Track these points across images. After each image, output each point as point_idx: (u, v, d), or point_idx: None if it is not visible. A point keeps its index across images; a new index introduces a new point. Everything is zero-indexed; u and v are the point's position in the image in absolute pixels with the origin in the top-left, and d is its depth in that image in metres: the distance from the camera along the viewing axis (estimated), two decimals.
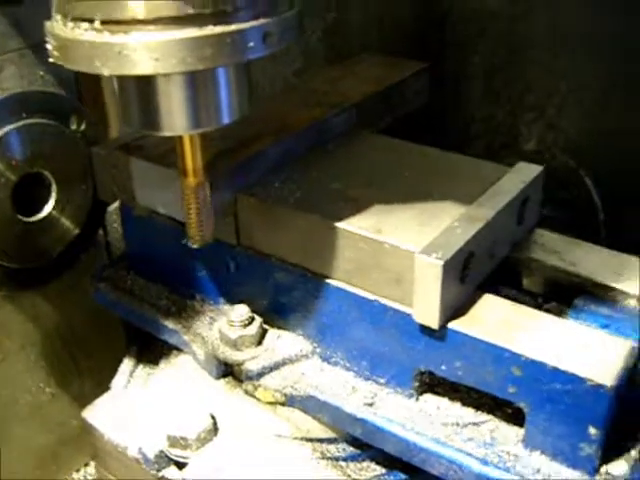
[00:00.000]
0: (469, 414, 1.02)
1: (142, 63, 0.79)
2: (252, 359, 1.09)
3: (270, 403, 1.10)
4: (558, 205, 1.22)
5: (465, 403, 1.03)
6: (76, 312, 1.48)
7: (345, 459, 1.08)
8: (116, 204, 1.38)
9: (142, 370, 1.24)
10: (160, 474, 1.10)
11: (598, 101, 1.55)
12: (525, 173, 1.10)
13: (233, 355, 1.09)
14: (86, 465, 1.60)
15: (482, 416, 1.01)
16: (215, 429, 1.09)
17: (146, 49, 0.78)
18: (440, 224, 0.99)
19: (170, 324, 1.18)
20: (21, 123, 1.25)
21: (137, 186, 1.12)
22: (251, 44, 0.83)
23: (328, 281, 1.04)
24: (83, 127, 1.32)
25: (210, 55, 0.81)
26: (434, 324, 0.95)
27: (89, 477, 1.58)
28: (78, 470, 1.59)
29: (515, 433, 0.98)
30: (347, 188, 1.08)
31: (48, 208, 1.31)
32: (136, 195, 1.12)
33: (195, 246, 1.02)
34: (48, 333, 1.45)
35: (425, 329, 0.97)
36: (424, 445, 0.98)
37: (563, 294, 1.07)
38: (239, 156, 1.10)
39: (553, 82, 1.63)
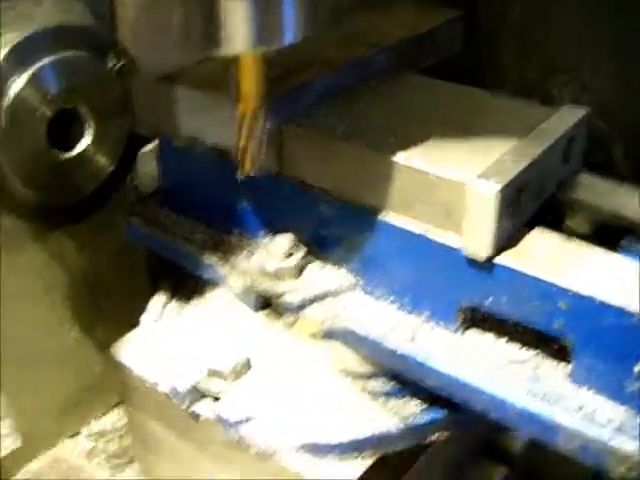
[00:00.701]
0: (514, 350, 1.01)
1: None
2: (292, 291, 1.07)
3: (310, 336, 1.09)
4: (588, 169, 1.20)
5: (511, 339, 1.02)
6: (102, 254, 1.46)
7: (386, 394, 1.07)
8: (149, 147, 1.37)
9: (174, 306, 1.23)
10: (192, 409, 1.08)
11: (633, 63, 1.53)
12: (571, 114, 1.08)
13: (273, 286, 1.08)
14: (105, 414, 1.58)
15: (527, 353, 1.00)
16: (250, 362, 1.07)
17: None
18: (490, 157, 0.98)
19: (206, 257, 1.17)
20: (57, 57, 1.22)
21: (181, 115, 1.10)
22: None
23: (374, 214, 1.03)
24: (120, 63, 1.30)
25: None
26: (483, 257, 0.94)
27: (109, 426, 1.57)
28: (98, 419, 1.57)
29: (561, 370, 0.97)
30: (393, 123, 1.07)
31: (83, 144, 1.29)
32: (180, 124, 1.10)
33: (245, 175, 1.00)
34: (73, 275, 1.43)
35: (473, 262, 0.96)
36: (466, 381, 0.97)
37: (608, 236, 1.05)
38: (285, 86, 1.08)
39: (587, 43, 1.61)
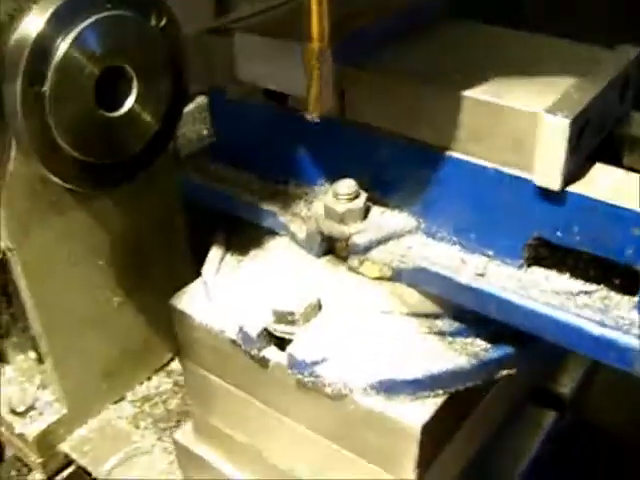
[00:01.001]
0: (579, 284, 1.02)
1: None
2: (359, 233, 1.09)
3: (376, 278, 1.10)
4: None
5: (573, 275, 1.03)
6: (144, 219, 1.46)
7: (452, 334, 1.08)
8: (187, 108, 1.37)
9: (232, 257, 1.24)
10: (261, 354, 1.09)
11: None
12: (626, 53, 1.10)
13: (339, 229, 1.09)
14: (149, 379, 1.59)
15: (592, 286, 1.02)
16: (320, 304, 1.08)
17: None
18: (555, 92, 0.99)
19: (265, 206, 1.18)
20: (101, 15, 1.22)
21: (239, 63, 1.11)
22: None
23: (440, 151, 1.04)
24: (163, 22, 1.30)
25: None
26: (556, 186, 0.95)
27: (153, 390, 1.57)
28: (141, 383, 1.58)
29: (627, 301, 0.99)
30: (455, 63, 1.09)
31: (130, 103, 1.29)
32: (238, 72, 1.11)
33: (315, 117, 1.01)
34: (117, 240, 1.43)
35: (543, 193, 0.98)
36: (541, 311, 0.99)
37: None
38: (343, 30, 1.09)
39: None
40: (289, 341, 1.08)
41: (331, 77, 1.00)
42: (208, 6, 1.67)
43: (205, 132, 1.57)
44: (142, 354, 1.56)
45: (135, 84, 1.30)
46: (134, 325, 1.53)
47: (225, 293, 1.16)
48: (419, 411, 1.02)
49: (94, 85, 1.23)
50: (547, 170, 0.95)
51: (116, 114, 1.29)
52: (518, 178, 0.99)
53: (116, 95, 1.30)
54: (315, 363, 1.04)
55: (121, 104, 1.30)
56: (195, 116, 1.59)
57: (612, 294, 1.01)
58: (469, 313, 1.08)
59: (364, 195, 1.10)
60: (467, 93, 1.00)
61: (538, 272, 1.05)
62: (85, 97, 1.22)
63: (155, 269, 1.53)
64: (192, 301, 1.19)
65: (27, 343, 1.50)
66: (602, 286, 1.02)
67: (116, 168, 1.34)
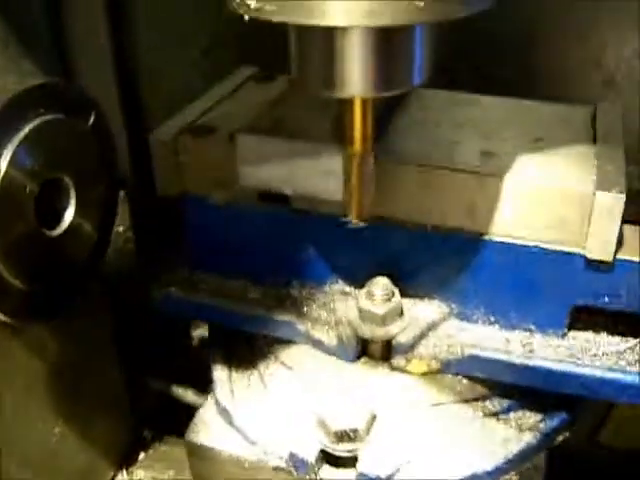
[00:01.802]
0: (619, 341, 1.06)
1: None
2: (401, 331, 1.05)
3: (422, 374, 1.07)
4: None
5: (609, 333, 1.07)
6: (77, 343, 1.33)
7: (503, 412, 1.08)
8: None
9: (239, 374, 1.14)
10: (319, 476, 1.02)
11: None
12: (610, 111, 1.14)
13: (382, 331, 1.04)
14: None
15: (631, 341, 1.06)
16: (375, 414, 1.04)
17: None
18: (587, 165, 1.01)
19: (278, 316, 1.10)
20: (32, 125, 1.08)
21: (244, 167, 1.02)
22: None
23: (478, 237, 1.03)
24: (92, 120, 1.17)
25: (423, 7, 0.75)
26: (609, 257, 0.98)
27: None
28: None
29: None
30: (470, 142, 1.07)
31: (69, 216, 1.15)
32: (241, 176, 1.02)
33: (356, 223, 0.96)
34: (53, 368, 1.28)
35: (592, 265, 0.99)
36: (601, 375, 1.01)
37: None
38: None
39: None
40: (347, 458, 1.01)
41: (373, 181, 0.95)
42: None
43: (120, 229, 1.44)
44: (84, 477, 1.42)
45: (73, 194, 1.16)
46: (76, 452, 1.39)
47: (252, 417, 1.07)
48: None
49: (34, 203, 1.08)
50: (601, 244, 0.97)
51: (57, 231, 1.15)
52: (565, 254, 1.00)
53: (52, 212, 1.15)
54: (390, 477, 0.99)
55: (59, 220, 1.16)
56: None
57: None
58: (515, 388, 1.07)
59: (397, 291, 1.06)
60: (509, 178, 0.98)
61: (578, 336, 1.07)
62: (27, 218, 1.08)
63: (90, 391, 1.41)
64: (212, 432, 1.09)
65: None
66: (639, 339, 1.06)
67: (56, 293, 1.19)
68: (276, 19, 0.76)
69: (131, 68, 1.54)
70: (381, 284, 1.04)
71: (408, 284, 1.09)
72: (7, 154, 1.04)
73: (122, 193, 1.35)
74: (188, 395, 1.48)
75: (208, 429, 1.09)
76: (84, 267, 1.22)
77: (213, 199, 1.09)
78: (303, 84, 0.87)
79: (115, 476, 1.50)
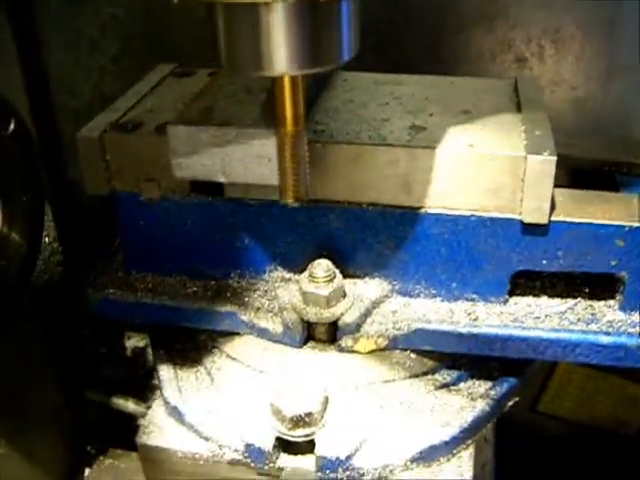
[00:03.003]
0: (559, 302, 1.08)
1: None
2: (346, 312, 1.04)
3: (371, 352, 1.07)
4: None
5: (549, 296, 1.09)
6: (9, 363, 1.28)
7: (453, 383, 1.08)
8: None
9: (184, 372, 1.12)
10: (276, 466, 1.01)
11: None
12: (530, 82, 1.17)
13: (327, 312, 1.03)
14: None
15: (572, 301, 1.08)
16: (328, 396, 1.03)
17: None
18: (515, 132, 1.03)
19: (219, 308, 1.08)
20: None
21: (177, 159, 1.00)
22: None
23: (414, 211, 1.03)
24: (12, 127, 1.13)
25: None
26: (544, 220, 0.99)
27: None
28: None
29: (606, 305, 1.07)
30: (396, 119, 1.07)
31: None
32: (175, 168, 1.00)
33: (293, 203, 0.95)
34: None
35: (529, 229, 1.01)
36: (547, 336, 1.03)
37: None
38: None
39: None
40: (304, 444, 1.00)
41: (306, 160, 0.95)
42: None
43: (46, 240, 1.39)
44: None
45: None
46: (21, 473, 1.34)
47: (203, 413, 1.05)
48: (463, 469, 1.01)
49: None
50: (535, 206, 0.98)
51: None
52: (502, 220, 1.01)
53: None
54: (350, 457, 0.99)
55: None
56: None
57: (591, 302, 1.08)
58: (461, 358, 1.08)
59: (338, 272, 1.05)
60: (442, 149, 0.99)
61: (520, 302, 1.08)
62: None
63: (30, 412, 1.35)
64: (164, 433, 1.06)
65: None
66: (579, 299, 1.08)
67: None
68: None
69: (41, 75, 1.50)
70: (323, 266, 1.04)
71: (348, 264, 1.08)
72: None
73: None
74: (129, 405, 1.44)
75: (159, 430, 1.07)
76: (15, 280, 1.18)
77: (144, 195, 1.07)
78: (231, 66, 0.86)
79: None
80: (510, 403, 1.10)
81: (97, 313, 1.13)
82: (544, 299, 1.09)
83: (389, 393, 1.05)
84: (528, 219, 0.99)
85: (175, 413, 1.07)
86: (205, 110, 1.03)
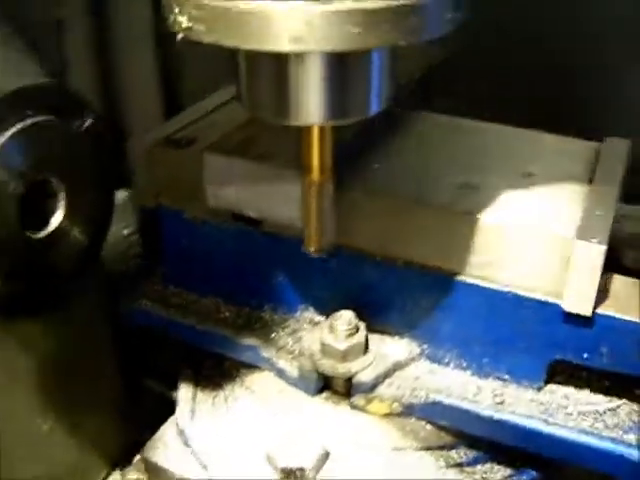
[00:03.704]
0: (601, 400, 0.98)
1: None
2: (363, 370, 0.99)
3: (384, 415, 1.01)
4: None
5: (592, 390, 0.99)
6: (71, 338, 1.30)
7: (469, 464, 1.01)
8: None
9: (204, 395, 1.11)
10: None
11: None
12: (617, 148, 1.06)
13: (342, 367, 0.99)
14: None
15: (615, 401, 0.98)
16: (328, 452, 0.98)
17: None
18: (573, 207, 0.94)
19: (243, 339, 1.06)
20: (21, 125, 1.06)
21: (210, 186, 0.99)
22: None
23: (451, 276, 0.96)
24: (87, 123, 1.14)
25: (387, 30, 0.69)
26: (587, 311, 0.90)
27: None
28: None
29: None
30: (451, 173, 1.01)
31: (57, 220, 1.12)
32: (209, 197, 0.98)
33: (315, 253, 0.91)
34: (40, 363, 1.26)
35: (571, 317, 0.91)
36: (574, 438, 0.93)
37: None
38: None
39: None
40: None
41: (333, 211, 0.90)
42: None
43: (125, 232, 1.42)
44: (74, 475, 1.40)
45: (62, 197, 1.13)
46: (66, 449, 1.36)
47: (207, 441, 1.04)
48: None
49: (19, 205, 1.06)
50: (578, 296, 0.89)
51: (43, 234, 1.12)
52: (541, 303, 0.93)
53: (41, 213, 1.13)
54: None
55: (47, 222, 1.13)
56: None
57: (635, 407, 0.97)
58: (485, 439, 1.00)
59: (363, 327, 1.00)
60: (485, 217, 0.92)
61: (557, 391, 1.00)
62: (9, 220, 1.05)
63: (84, 388, 1.37)
64: (169, 452, 1.06)
65: None
66: (624, 400, 0.98)
67: (42, 292, 1.17)
68: (207, 40, 0.71)
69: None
70: (345, 318, 0.99)
71: (379, 319, 1.03)
72: None
73: (126, 194, 1.33)
74: None
75: (164, 447, 1.07)
76: (71, 271, 1.20)
77: (187, 214, 1.05)
78: (254, 109, 0.82)
79: (108, 476, 1.48)
80: None
81: (127, 321, 1.12)
82: (585, 393, 0.99)
83: (395, 462, 1.00)
84: (569, 307, 0.90)
85: (182, 435, 1.06)
86: (245, 141, 1.00)
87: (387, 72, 0.81)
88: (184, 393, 1.11)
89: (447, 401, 0.98)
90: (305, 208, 0.90)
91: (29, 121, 1.06)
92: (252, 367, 1.09)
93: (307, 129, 0.85)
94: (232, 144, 1.01)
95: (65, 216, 1.14)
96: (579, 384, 1.00)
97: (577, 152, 1.07)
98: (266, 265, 1.06)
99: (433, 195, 0.96)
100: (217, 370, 1.13)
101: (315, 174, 0.88)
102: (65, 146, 1.13)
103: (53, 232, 1.13)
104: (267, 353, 1.05)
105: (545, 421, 0.95)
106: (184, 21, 0.72)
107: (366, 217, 0.98)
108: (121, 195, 1.41)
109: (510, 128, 1.12)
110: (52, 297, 1.21)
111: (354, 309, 1.02)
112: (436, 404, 0.98)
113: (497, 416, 0.96)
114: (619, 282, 0.96)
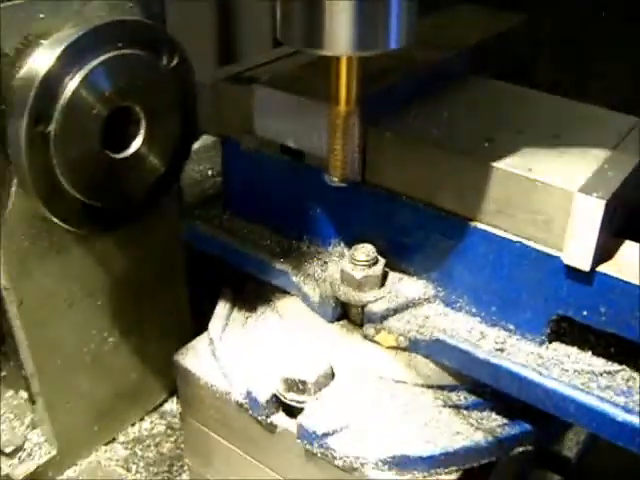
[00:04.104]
0: (601, 363, 1.00)
1: None
2: (376, 300, 1.05)
3: (391, 348, 1.07)
4: None
5: (595, 353, 1.01)
6: (144, 259, 1.42)
7: (467, 407, 1.05)
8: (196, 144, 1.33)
9: (239, 313, 1.19)
10: (269, 420, 1.05)
11: None
12: None
13: (356, 296, 1.05)
14: (142, 420, 1.54)
15: (615, 366, 0.99)
16: (332, 373, 1.05)
17: None
18: (588, 167, 0.96)
19: (277, 264, 1.14)
20: (112, 54, 1.18)
21: (258, 117, 1.07)
22: None
23: (464, 221, 1.01)
24: (175, 62, 1.26)
25: None
26: (586, 266, 0.92)
27: (145, 432, 1.52)
28: (133, 424, 1.53)
29: None
30: (482, 127, 1.06)
31: (137, 145, 1.24)
32: (255, 126, 1.07)
33: (338, 183, 0.98)
34: (115, 280, 1.38)
35: (571, 272, 0.95)
36: (562, 391, 0.95)
37: None
38: (368, 89, 1.05)
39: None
40: (299, 409, 1.04)
41: (357, 143, 0.96)
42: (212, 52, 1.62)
43: (210, 172, 1.53)
44: (135, 395, 1.52)
45: (143, 125, 1.25)
46: (128, 366, 1.49)
47: (232, 353, 1.13)
48: None
49: (101, 126, 1.18)
50: (578, 250, 0.92)
51: (122, 156, 1.24)
52: (545, 254, 0.96)
53: (122, 136, 1.25)
54: (326, 435, 1.00)
55: (128, 146, 1.26)
56: (200, 155, 1.55)
57: (635, 375, 0.98)
58: (486, 386, 1.04)
59: (382, 261, 1.06)
60: (498, 164, 0.96)
61: (560, 349, 1.02)
62: (91, 138, 1.18)
63: (152, 310, 1.48)
64: (197, 358, 1.15)
65: (18, 381, 1.44)
66: (625, 366, 0.99)
67: (120, 210, 1.30)
68: None
69: None
70: (365, 250, 1.06)
71: (401, 258, 1.09)
72: (80, 75, 1.14)
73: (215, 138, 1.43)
74: None
75: (195, 354, 1.16)
76: (147, 195, 1.32)
77: (242, 145, 1.15)
78: (287, 39, 0.90)
79: (165, 401, 1.59)
80: (519, 450, 1.04)
81: (185, 239, 1.23)
82: (587, 355, 1.01)
83: (394, 393, 1.05)
84: (568, 260, 0.94)
85: (211, 345, 1.15)
86: (293, 78, 1.08)
87: (407, 10, 0.86)
88: (220, 309, 1.20)
89: (449, 341, 1.02)
90: (331, 138, 0.97)
91: (118, 52, 1.19)
92: (285, 293, 1.17)
93: (336, 60, 0.92)
94: (281, 80, 1.09)
95: (144, 142, 1.26)
96: (584, 347, 1.02)
97: (613, 123, 1.08)
98: (306, 198, 1.14)
99: (457, 144, 1.01)
100: (254, 294, 1.21)
101: (342, 105, 0.94)
102: (151, 79, 1.24)
103: (132, 155, 1.25)
104: (296, 278, 1.13)
105: (539, 373, 0.98)
106: None
107: (394, 158, 1.03)
108: (211, 139, 1.54)
109: (558, 97, 1.15)
110: (129, 218, 1.33)
111: (380, 247, 1.08)
112: (439, 342, 1.03)
113: (494, 361, 1.00)
114: (630, 248, 0.97)
